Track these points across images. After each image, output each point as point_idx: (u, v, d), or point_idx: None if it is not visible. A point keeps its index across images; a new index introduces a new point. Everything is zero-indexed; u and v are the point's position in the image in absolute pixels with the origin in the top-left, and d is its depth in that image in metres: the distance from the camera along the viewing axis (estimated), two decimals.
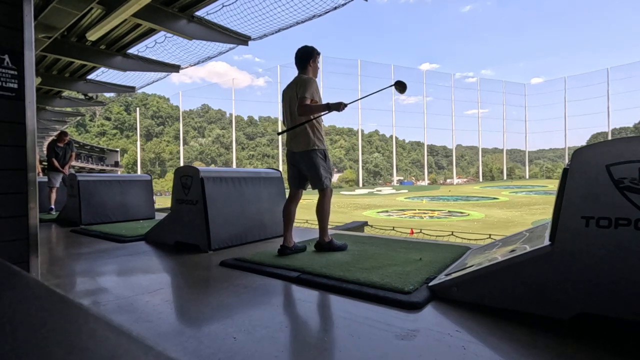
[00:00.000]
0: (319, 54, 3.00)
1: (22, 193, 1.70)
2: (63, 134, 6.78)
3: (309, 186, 3.01)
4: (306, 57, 2.96)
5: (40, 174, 7.51)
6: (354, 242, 3.27)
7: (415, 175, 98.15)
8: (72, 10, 4.61)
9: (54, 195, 6.61)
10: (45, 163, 6.73)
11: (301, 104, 2.76)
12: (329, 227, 3.01)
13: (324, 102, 2.90)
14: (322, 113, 2.86)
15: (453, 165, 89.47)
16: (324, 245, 2.95)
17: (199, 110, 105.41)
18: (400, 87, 2.88)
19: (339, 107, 2.78)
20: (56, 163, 6.52)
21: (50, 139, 6.94)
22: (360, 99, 3.34)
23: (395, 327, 1.53)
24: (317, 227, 3.00)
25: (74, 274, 2.64)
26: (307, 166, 2.91)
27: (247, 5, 5.62)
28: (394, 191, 54.62)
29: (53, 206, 6.54)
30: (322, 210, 2.94)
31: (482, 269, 1.74)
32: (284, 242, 2.88)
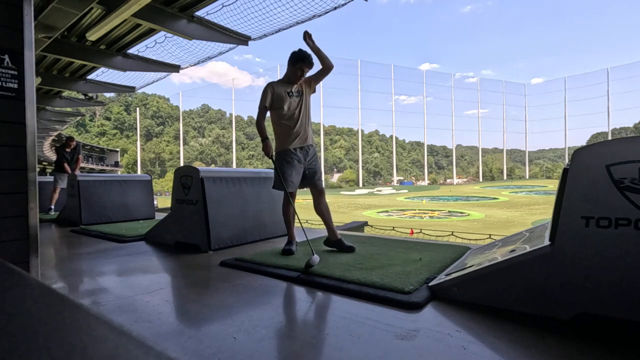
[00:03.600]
0: (304, 63, 2.90)
1: (22, 193, 1.70)
2: (70, 139, 6.91)
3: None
4: (289, 59, 2.96)
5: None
6: (354, 242, 3.27)
7: (415, 175, 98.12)
8: (72, 10, 4.61)
9: (56, 196, 6.64)
10: (45, 163, 6.82)
11: (258, 113, 2.95)
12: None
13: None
14: (258, 132, 2.99)
15: (453, 165, 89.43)
16: (337, 242, 3.00)
17: (199, 110, 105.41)
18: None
19: (265, 149, 2.91)
20: (67, 167, 6.61)
21: (51, 140, 7.13)
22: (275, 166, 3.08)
23: (395, 327, 1.53)
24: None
25: (74, 274, 2.64)
26: (316, 161, 3.13)
27: (247, 5, 5.62)
28: (394, 191, 54.61)
29: (52, 206, 6.55)
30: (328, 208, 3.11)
31: (482, 269, 1.74)
32: (289, 240, 3.06)
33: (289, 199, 3.02)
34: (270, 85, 2.96)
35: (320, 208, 3.08)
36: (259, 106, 2.95)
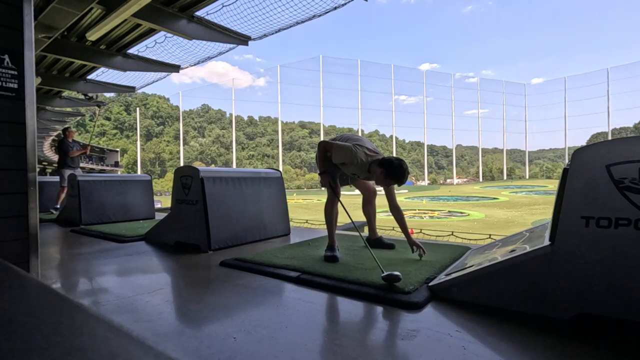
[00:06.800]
0: (396, 182, 2.61)
1: (22, 193, 1.70)
2: (67, 129, 6.66)
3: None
4: (385, 166, 2.60)
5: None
6: (354, 242, 3.27)
7: (415, 175, 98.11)
8: (72, 10, 4.61)
9: (63, 195, 6.43)
10: (45, 163, 6.68)
11: (325, 144, 2.76)
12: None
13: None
14: (321, 164, 2.79)
15: (453, 165, 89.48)
16: (376, 240, 3.09)
17: (199, 110, 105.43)
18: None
19: (324, 181, 2.76)
20: (76, 152, 6.42)
21: (51, 140, 6.85)
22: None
23: (395, 327, 1.53)
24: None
25: (74, 274, 2.64)
26: None
27: (247, 5, 5.63)
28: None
29: (59, 205, 6.44)
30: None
31: (482, 269, 1.74)
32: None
33: (332, 198, 2.86)
34: (354, 154, 2.64)
35: (368, 208, 3.13)
36: (332, 149, 2.71)
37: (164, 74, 8.38)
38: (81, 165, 6.88)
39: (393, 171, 2.57)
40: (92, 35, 5.64)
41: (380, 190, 2.99)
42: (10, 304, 0.47)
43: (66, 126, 6.96)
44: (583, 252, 1.48)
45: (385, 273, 2.00)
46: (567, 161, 1.67)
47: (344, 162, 2.69)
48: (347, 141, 2.78)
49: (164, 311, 1.77)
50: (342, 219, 3.10)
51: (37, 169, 1.85)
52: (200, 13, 5.67)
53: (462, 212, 25.72)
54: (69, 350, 0.33)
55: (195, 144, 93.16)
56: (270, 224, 3.84)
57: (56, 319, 0.42)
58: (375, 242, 3.08)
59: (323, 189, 2.84)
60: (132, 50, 7.09)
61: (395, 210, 2.85)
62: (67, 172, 6.33)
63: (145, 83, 9.43)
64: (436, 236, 13.51)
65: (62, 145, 6.56)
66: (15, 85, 1.69)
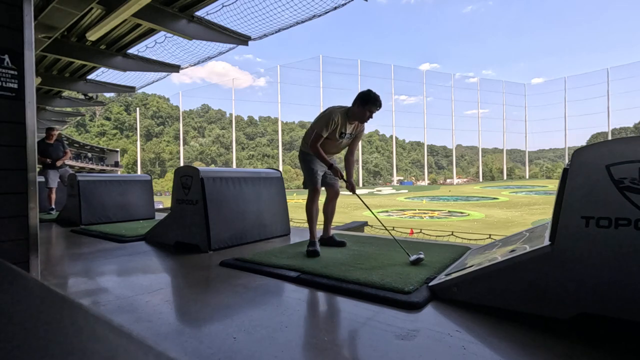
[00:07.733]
0: (375, 105, 2.86)
1: (22, 193, 1.70)
2: (50, 129, 6.33)
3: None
4: (358, 99, 2.87)
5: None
6: (354, 242, 3.27)
7: (415, 175, 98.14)
8: (72, 10, 4.61)
9: (53, 196, 6.46)
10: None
11: (309, 138, 2.98)
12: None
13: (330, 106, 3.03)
14: (320, 161, 3.01)
15: (453, 165, 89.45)
16: (329, 239, 3.22)
17: (199, 110, 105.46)
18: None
19: (336, 174, 3.08)
20: (44, 159, 6.13)
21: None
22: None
23: (395, 327, 1.53)
24: (316, 227, 3.15)
25: (74, 274, 2.64)
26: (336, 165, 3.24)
27: (247, 5, 5.63)
28: (394, 191, 54.60)
29: (54, 206, 6.48)
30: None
31: (482, 269, 1.74)
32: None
33: (314, 196, 3.07)
34: (335, 115, 2.88)
35: (329, 207, 3.31)
36: (315, 131, 2.90)
37: (164, 74, 8.38)
38: (81, 165, 6.83)
39: (367, 99, 2.84)
40: (92, 35, 5.64)
41: (344, 191, 3.29)
42: (10, 304, 0.47)
43: (50, 126, 6.62)
44: (583, 252, 1.48)
45: (413, 257, 2.42)
46: (567, 161, 1.67)
47: (331, 128, 2.89)
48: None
49: (164, 311, 1.77)
50: (342, 219, 3.14)
51: (37, 169, 1.85)
52: (200, 13, 5.66)
53: (462, 212, 25.71)
54: (69, 350, 0.33)
55: (195, 144, 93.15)
56: (270, 224, 3.84)
57: (56, 319, 0.42)
58: (327, 240, 3.19)
59: (343, 186, 3.14)
60: (132, 50, 7.09)
61: (352, 156, 3.21)
62: (51, 174, 6.23)
63: (145, 83, 9.43)
64: (436, 236, 13.51)
65: (37, 148, 6.23)
66: (15, 85, 1.69)
